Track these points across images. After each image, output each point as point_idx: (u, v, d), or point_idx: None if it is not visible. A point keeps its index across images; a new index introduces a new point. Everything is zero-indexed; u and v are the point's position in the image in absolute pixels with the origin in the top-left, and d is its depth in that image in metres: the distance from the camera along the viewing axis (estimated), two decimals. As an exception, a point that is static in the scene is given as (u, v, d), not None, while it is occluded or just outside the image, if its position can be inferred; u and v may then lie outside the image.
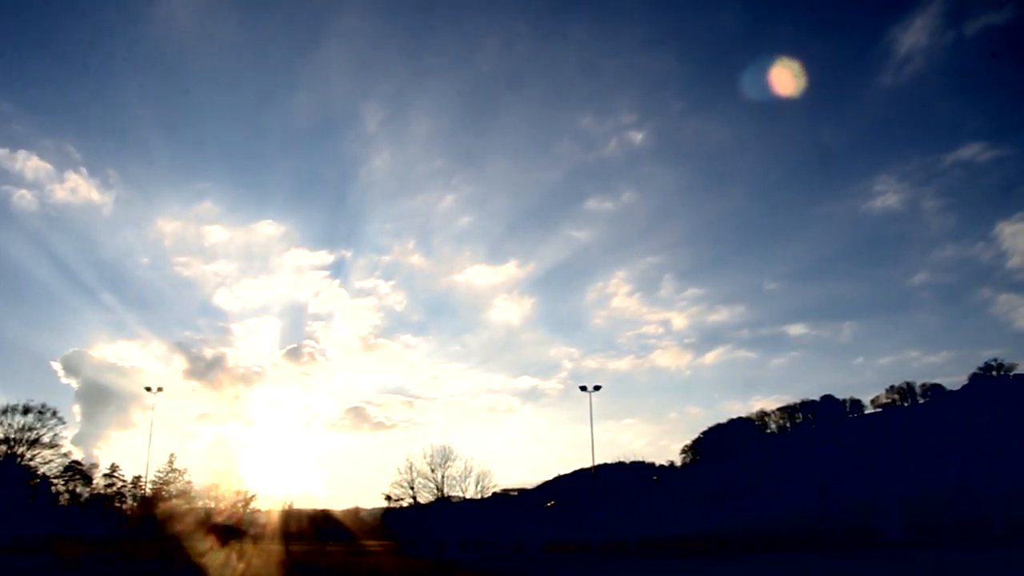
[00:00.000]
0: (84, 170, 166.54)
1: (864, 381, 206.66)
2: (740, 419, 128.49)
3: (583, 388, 73.63)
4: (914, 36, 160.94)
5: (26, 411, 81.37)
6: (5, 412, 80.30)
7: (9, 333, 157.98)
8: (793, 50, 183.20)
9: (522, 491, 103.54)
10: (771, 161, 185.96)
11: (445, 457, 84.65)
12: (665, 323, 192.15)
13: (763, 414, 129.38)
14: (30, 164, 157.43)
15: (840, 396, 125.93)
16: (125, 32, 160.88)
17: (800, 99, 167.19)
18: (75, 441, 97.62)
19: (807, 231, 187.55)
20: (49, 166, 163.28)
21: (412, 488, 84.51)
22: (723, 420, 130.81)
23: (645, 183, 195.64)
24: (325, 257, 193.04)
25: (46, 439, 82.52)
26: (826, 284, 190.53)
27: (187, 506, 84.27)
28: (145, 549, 55.22)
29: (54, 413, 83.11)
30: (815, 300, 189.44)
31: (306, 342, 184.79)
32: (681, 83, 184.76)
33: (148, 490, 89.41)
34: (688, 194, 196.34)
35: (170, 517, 76.65)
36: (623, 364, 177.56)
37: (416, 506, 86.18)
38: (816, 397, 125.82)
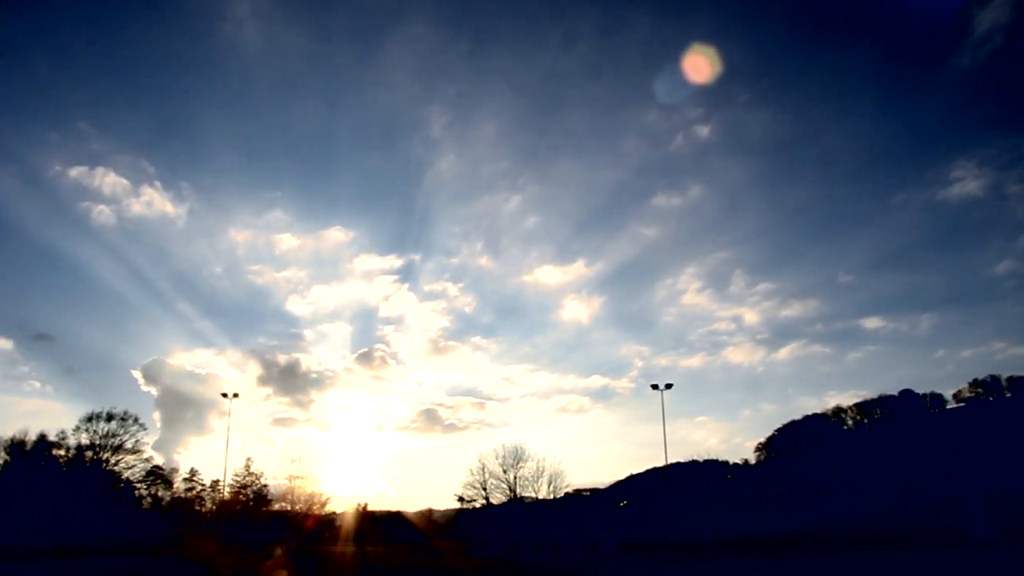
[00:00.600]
0: (158, 184, 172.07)
1: (945, 375, 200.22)
2: (815, 415, 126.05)
3: (655, 386, 73.46)
4: (993, 13, 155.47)
5: (110, 418, 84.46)
6: (91, 420, 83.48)
7: (92, 343, 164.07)
8: (862, 34, 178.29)
9: (595, 491, 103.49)
10: (842, 150, 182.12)
11: (517, 458, 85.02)
12: (737, 319, 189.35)
13: (839, 410, 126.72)
14: (108, 180, 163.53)
15: (920, 391, 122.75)
16: (195, 48, 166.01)
17: (871, 84, 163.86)
18: (156, 447, 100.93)
19: (881, 221, 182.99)
20: (125, 181, 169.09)
21: (484, 489, 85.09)
22: (798, 417, 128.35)
23: (713, 177, 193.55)
24: (394, 261, 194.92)
25: (129, 445, 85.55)
26: (903, 275, 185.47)
27: (264, 509, 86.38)
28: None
29: (136, 420, 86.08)
30: (891, 292, 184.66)
31: (377, 346, 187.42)
32: (747, 74, 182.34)
33: (226, 494, 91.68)
34: (757, 187, 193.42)
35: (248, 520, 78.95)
36: (694, 361, 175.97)
37: (489, 507, 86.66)
38: (894, 392, 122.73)
